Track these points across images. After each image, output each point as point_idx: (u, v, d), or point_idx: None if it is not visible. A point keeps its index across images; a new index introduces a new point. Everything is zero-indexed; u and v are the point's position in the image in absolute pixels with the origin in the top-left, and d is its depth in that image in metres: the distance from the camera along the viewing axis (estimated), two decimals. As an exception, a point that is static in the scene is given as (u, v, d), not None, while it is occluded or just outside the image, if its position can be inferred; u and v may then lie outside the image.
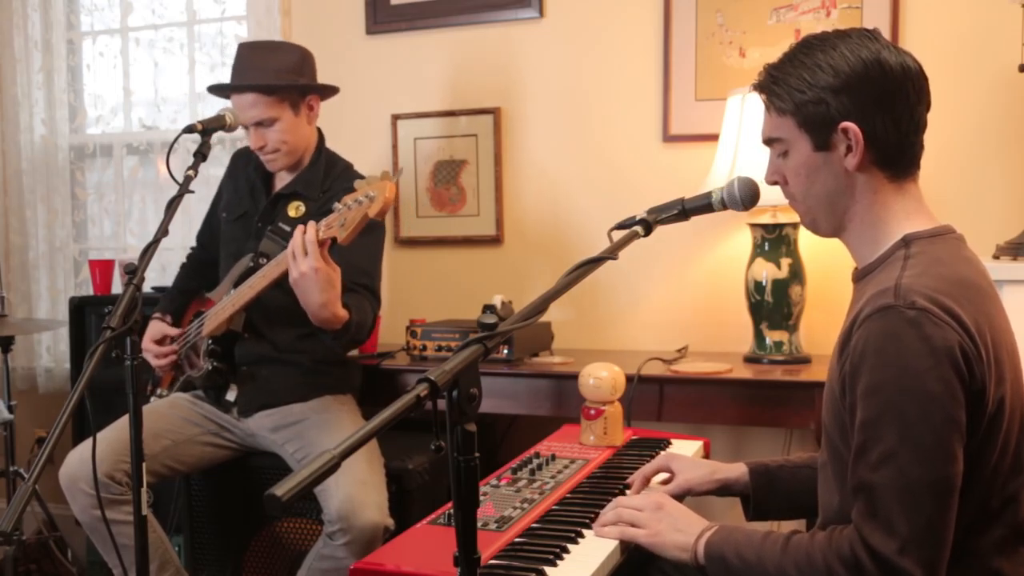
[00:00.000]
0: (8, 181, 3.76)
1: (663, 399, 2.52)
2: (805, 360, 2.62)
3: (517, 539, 1.53)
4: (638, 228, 1.55)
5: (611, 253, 1.44)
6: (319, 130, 2.63)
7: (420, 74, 3.24)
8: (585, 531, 1.57)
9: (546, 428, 2.43)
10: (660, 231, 1.60)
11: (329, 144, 2.64)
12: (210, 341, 2.47)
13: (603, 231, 1.57)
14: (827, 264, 2.70)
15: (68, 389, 3.59)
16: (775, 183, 1.50)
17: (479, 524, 1.30)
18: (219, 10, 3.57)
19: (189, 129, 2.16)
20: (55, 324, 3.49)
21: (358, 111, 3.19)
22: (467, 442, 1.10)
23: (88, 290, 3.64)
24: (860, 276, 1.44)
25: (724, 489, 1.72)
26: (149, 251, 1.86)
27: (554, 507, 1.69)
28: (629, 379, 2.25)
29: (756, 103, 1.48)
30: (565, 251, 3.04)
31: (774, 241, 2.61)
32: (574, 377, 2.17)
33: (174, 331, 2.62)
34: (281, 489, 0.94)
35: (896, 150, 1.39)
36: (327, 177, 2.54)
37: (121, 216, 3.73)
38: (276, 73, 2.47)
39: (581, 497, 1.75)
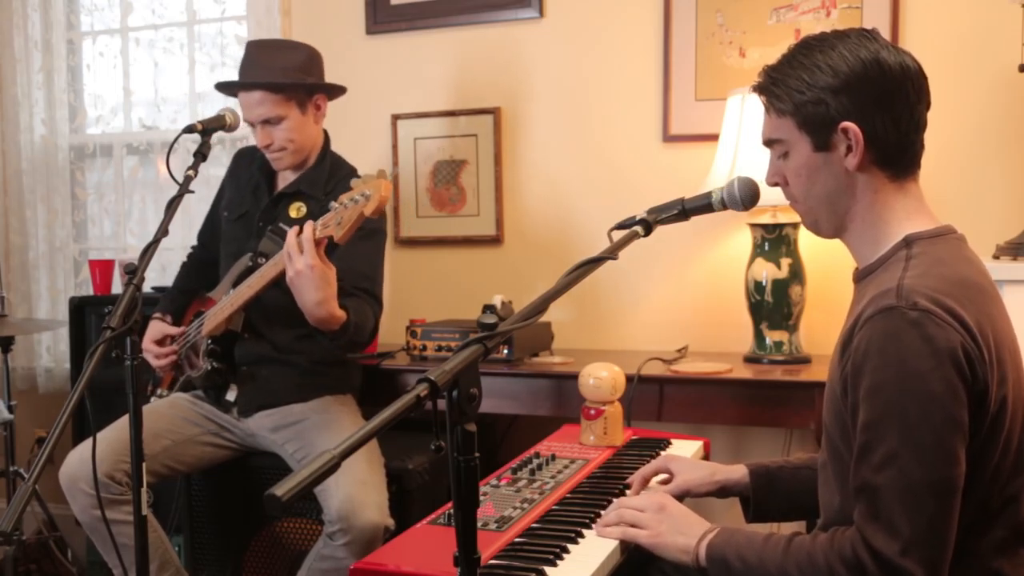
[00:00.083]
0: (8, 181, 3.76)
1: (663, 399, 2.52)
2: (805, 360, 2.62)
3: (517, 539, 1.53)
4: (638, 228, 1.55)
5: (611, 253, 1.44)
6: (325, 131, 2.63)
7: (420, 74, 3.24)
8: (585, 531, 1.57)
9: (546, 428, 2.43)
10: (660, 231, 1.60)
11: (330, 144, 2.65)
12: (209, 341, 2.47)
13: (603, 231, 1.57)
14: (827, 264, 2.70)
15: (68, 389, 3.59)
16: (776, 184, 1.50)
17: (479, 524, 1.30)
18: (219, 10, 3.57)
19: (189, 129, 2.17)
20: (55, 324, 3.50)
21: (358, 111, 3.19)
22: (467, 442, 1.10)
23: (88, 290, 3.64)
24: (861, 276, 1.44)
25: (724, 491, 1.72)
26: (149, 251, 1.86)
27: (554, 507, 1.69)
28: (629, 379, 2.25)
29: (756, 103, 1.48)
30: (565, 251, 3.04)
31: (774, 241, 2.61)
32: (574, 377, 2.17)
33: (174, 331, 2.62)
34: (281, 489, 0.94)
35: (896, 149, 1.39)
36: (331, 179, 2.54)
37: (121, 216, 3.73)
38: (284, 71, 2.47)
39: (581, 497, 1.75)
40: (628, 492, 1.77)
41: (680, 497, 1.69)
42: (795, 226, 2.61)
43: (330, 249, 2.38)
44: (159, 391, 2.65)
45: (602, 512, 1.62)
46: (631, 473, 1.83)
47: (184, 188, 2.02)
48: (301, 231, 2.15)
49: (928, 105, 1.41)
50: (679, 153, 2.93)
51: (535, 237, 3.12)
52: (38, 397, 3.75)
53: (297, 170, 2.58)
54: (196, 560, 2.67)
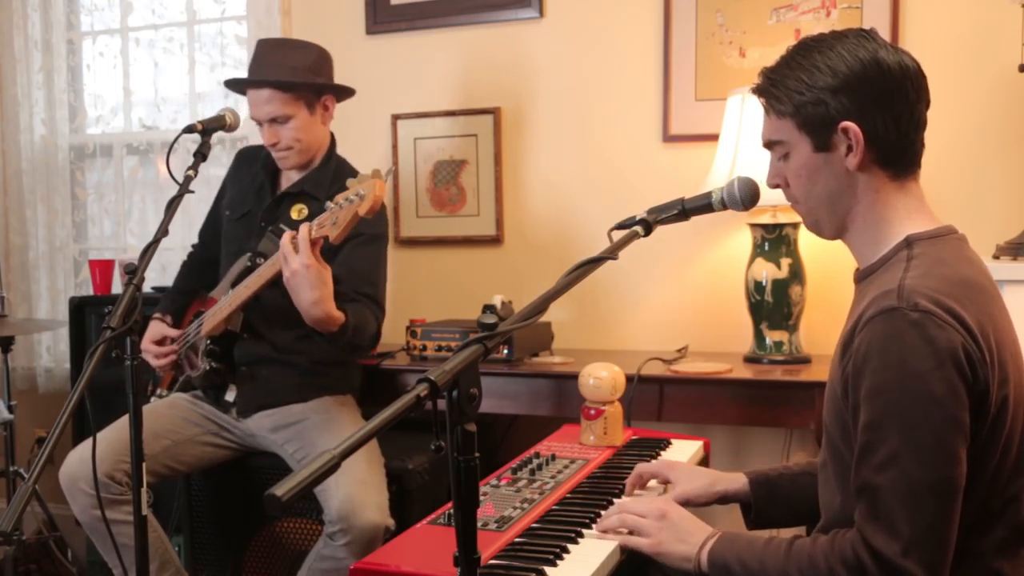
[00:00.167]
0: (8, 181, 3.76)
1: (663, 399, 2.52)
2: (805, 360, 2.62)
3: (517, 539, 1.53)
4: (638, 228, 1.55)
5: (611, 253, 1.44)
6: (331, 134, 2.63)
7: (420, 74, 3.24)
8: (585, 531, 1.57)
9: (546, 428, 2.43)
10: (660, 231, 1.60)
11: (330, 144, 2.65)
12: (208, 341, 2.47)
13: (603, 231, 1.57)
14: (827, 264, 2.70)
15: (68, 389, 3.59)
16: (776, 186, 1.50)
17: (479, 524, 1.30)
18: (219, 10, 3.57)
19: (189, 129, 2.16)
20: (55, 324, 3.50)
21: (358, 111, 3.18)
22: (467, 442, 1.10)
23: (88, 290, 3.64)
24: (862, 277, 1.44)
25: (724, 500, 1.72)
26: (149, 251, 1.86)
27: (554, 507, 1.69)
28: (629, 379, 2.24)
29: (756, 103, 1.48)
30: (565, 251, 3.04)
31: (774, 241, 2.61)
32: (574, 377, 2.17)
33: (173, 333, 2.61)
34: (281, 489, 0.94)
35: (897, 149, 1.39)
36: (335, 181, 2.54)
37: (121, 216, 3.73)
38: (293, 70, 2.47)
39: (581, 497, 1.75)
40: (623, 495, 1.76)
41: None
42: (795, 226, 2.61)
43: (333, 254, 2.39)
44: (159, 391, 2.65)
45: (602, 512, 1.62)
46: (631, 474, 1.83)
47: (184, 188, 2.02)
48: (295, 236, 2.16)
49: (928, 104, 1.41)
50: (679, 153, 2.93)
51: (535, 237, 3.13)
52: (38, 397, 3.75)
53: (302, 170, 2.58)
54: (196, 560, 2.67)
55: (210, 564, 2.66)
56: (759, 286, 2.62)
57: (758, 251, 2.64)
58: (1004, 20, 2.53)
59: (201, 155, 2.12)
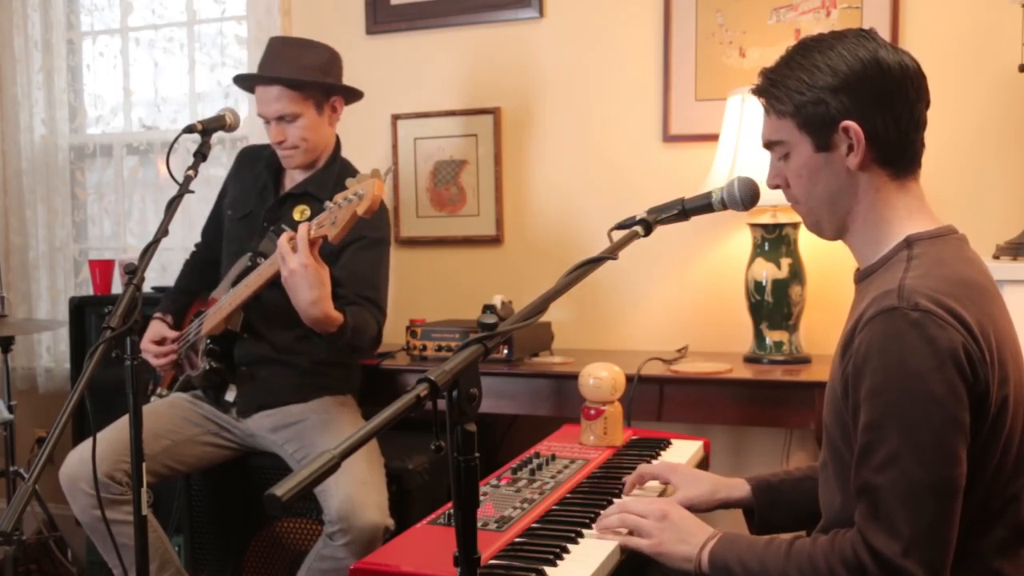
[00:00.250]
0: (8, 181, 3.76)
1: (663, 399, 2.52)
2: (805, 360, 2.62)
3: (517, 539, 1.53)
4: (638, 228, 1.55)
5: (611, 253, 1.44)
6: (336, 136, 2.63)
7: (420, 74, 3.24)
8: (585, 531, 1.56)
9: (546, 428, 2.43)
10: (660, 231, 1.60)
11: (330, 144, 2.65)
12: (208, 340, 2.47)
13: (603, 231, 1.57)
14: (827, 264, 2.70)
15: (68, 389, 3.59)
16: (777, 187, 1.50)
17: (479, 524, 1.30)
18: (219, 10, 3.57)
19: (189, 129, 2.16)
20: (55, 324, 3.50)
21: (358, 111, 3.18)
22: (467, 442, 1.10)
23: (88, 290, 3.64)
24: (862, 277, 1.44)
25: (725, 506, 1.72)
26: (149, 251, 1.86)
27: (554, 507, 1.69)
28: (629, 379, 2.24)
29: (756, 103, 1.48)
30: (565, 251, 3.04)
31: (774, 241, 2.61)
32: (574, 377, 2.17)
33: (173, 334, 2.61)
34: (281, 489, 0.94)
35: (897, 148, 1.39)
36: (338, 183, 2.53)
37: (121, 216, 3.73)
38: (305, 69, 2.47)
39: (581, 497, 1.75)
40: (623, 494, 1.76)
41: None
42: (795, 226, 2.61)
43: (335, 257, 2.39)
44: (159, 390, 2.65)
45: (602, 512, 1.62)
46: (631, 473, 1.83)
47: (184, 188, 2.02)
48: (294, 237, 2.16)
49: (928, 104, 1.41)
50: (679, 153, 2.93)
51: (535, 237, 3.13)
52: (38, 397, 3.75)
53: (305, 171, 2.58)
54: (196, 560, 2.67)
55: (210, 564, 2.66)
56: (759, 286, 2.62)
57: (758, 251, 2.64)
58: (1004, 20, 2.53)
59: (201, 155, 2.12)
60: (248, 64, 3.32)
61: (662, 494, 1.78)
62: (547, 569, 1.41)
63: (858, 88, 1.36)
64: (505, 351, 2.69)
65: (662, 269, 2.96)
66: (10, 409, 3.10)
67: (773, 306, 2.61)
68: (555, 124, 3.08)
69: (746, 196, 1.59)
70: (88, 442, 1.88)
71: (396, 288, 3.21)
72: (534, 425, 2.88)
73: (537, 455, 1.99)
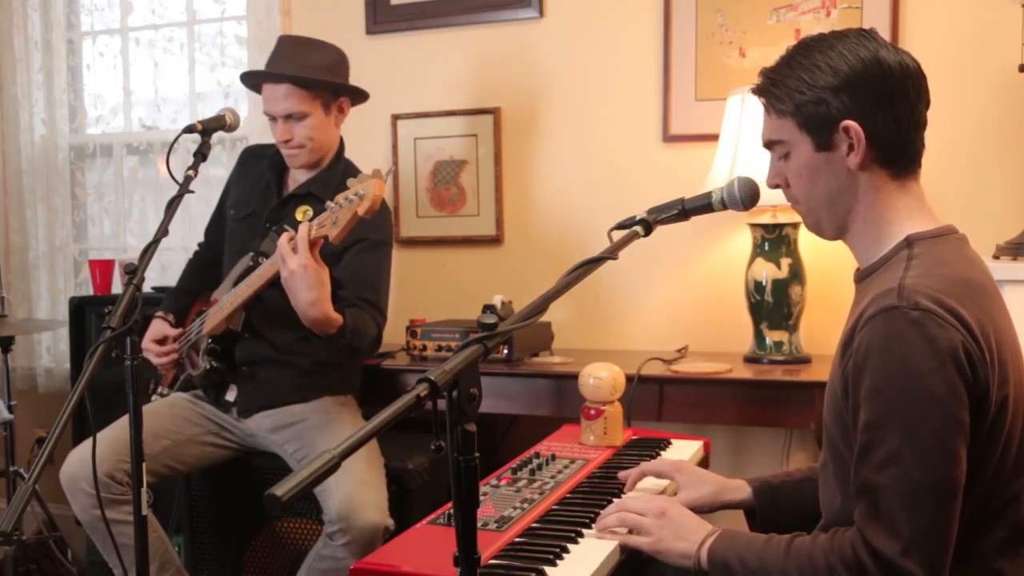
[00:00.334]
0: (8, 181, 3.77)
1: (663, 399, 2.52)
2: (805, 360, 2.62)
3: (517, 539, 1.53)
4: (638, 228, 1.55)
5: (611, 253, 1.44)
6: (340, 137, 2.63)
7: (420, 74, 3.24)
8: (585, 531, 1.56)
9: (546, 428, 2.43)
10: (660, 231, 1.60)
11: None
12: (210, 340, 2.47)
13: (603, 231, 1.57)
14: (827, 264, 2.70)
15: (68, 389, 3.59)
16: (777, 186, 1.50)
17: (479, 524, 1.30)
18: (219, 10, 3.57)
19: (189, 129, 2.16)
20: (55, 324, 3.50)
21: (358, 111, 3.17)
22: (467, 442, 1.10)
23: (88, 290, 3.64)
24: (863, 276, 1.44)
25: (726, 507, 1.72)
26: (149, 251, 1.86)
27: (554, 507, 1.69)
28: (629, 379, 2.24)
29: (756, 103, 1.48)
30: (565, 251, 3.04)
31: (774, 241, 2.61)
32: (574, 377, 2.17)
33: (174, 332, 2.61)
34: (281, 489, 0.94)
35: (897, 148, 1.39)
36: (342, 184, 2.53)
37: (121, 216, 3.73)
38: (313, 69, 2.47)
39: (581, 497, 1.75)
40: (625, 486, 1.76)
41: None
42: (795, 226, 2.61)
43: (336, 258, 2.38)
44: (160, 389, 2.65)
45: (602, 512, 1.62)
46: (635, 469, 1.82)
47: (184, 188, 2.01)
48: (294, 237, 2.16)
49: (928, 104, 1.41)
50: (679, 153, 2.93)
51: (535, 237, 3.13)
52: (38, 397, 3.75)
53: (309, 171, 2.57)
54: (196, 560, 2.67)
55: (210, 564, 2.66)
56: (759, 286, 2.62)
57: (758, 251, 2.64)
58: (1004, 20, 2.53)
59: (201, 155, 2.12)
60: (248, 64, 3.32)
61: (663, 493, 1.78)
62: (547, 569, 1.41)
63: (859, 88, 1.36)
64: (505, 351, 2.68)
65: (662, 269, 2.96)
66: (10, 409, 3.10)
67: (773, 306, 2.61)
68: (555, 124, 3.08)
69: (746, 196, 1.59)
70: (89, 442, 1.88)
71: (396, 288, 3.20)
72: (534, 425, 2.88)
73: (537, 455, 1.99)
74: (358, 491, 2.23)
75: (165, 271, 3.55)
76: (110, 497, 2.27)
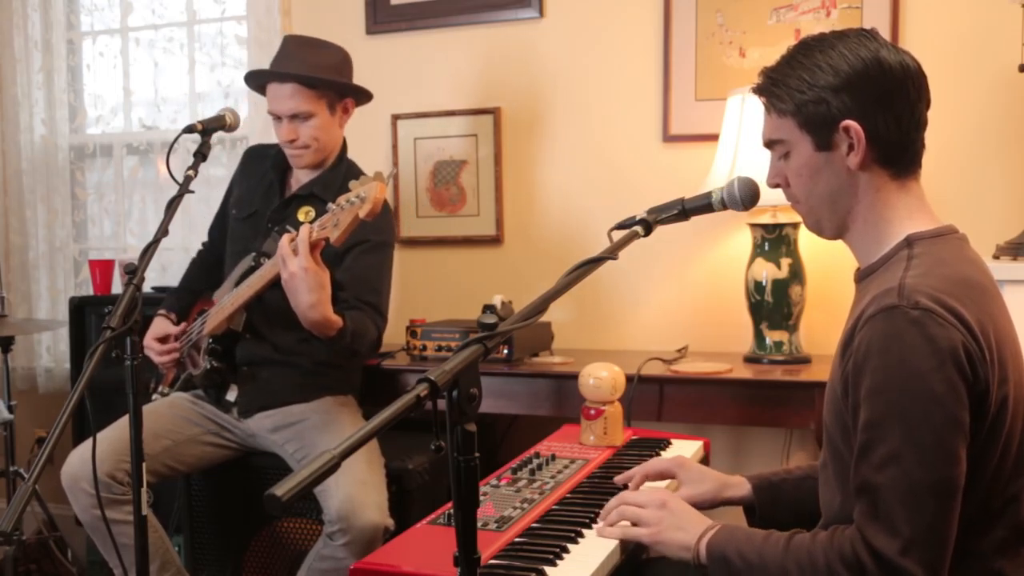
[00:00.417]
0: (8, 181, 3.76)
1: (663, 399, 2.52)
2: (805, 360, 2.62)
3: (517, 539, 1.53)
4: (638, 228, 1.55)
5: (611, 253, 1.44)
6: (343, 138, 2.63)
7: (420, 74, 3.24)
8: (585, 531, 1.56)
9: (546, 428, 2.43)
10: (660, 231, 1.60)
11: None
12: (211, 340, 2.47)
13: (603, 231, 1.57)
14: (827, 264, 2.70)
15: (68, 389, 3.59)
16: (777, 186, 1.50)
17: (479, 524, 1.30)
18: (219, 10, 3.57)
19: (189, 129, 2.16)
20: (55, 324, 3.49)
21: (358, 111, 3.18)
22: (467, 442, 1.10)
23: (88, 290, 3.64)
24: (863, 276, 1.44)
25: (727, 504, 1.72)
26: (149, 251, 1.86)
27: (554, 507, 1.69)
28: (629, 379, 2.24)
29: (756, 103, 1.48)
30: (565, 251, 3.04)
31: (774, 241, 2.61)
32: (574, 377, 2.17)
33: (175, 330, 2.61)
34: (281, 489, 0.94)
35: (898, 148, 1.39)
36: (344, 185, 2.53)
37: (121, 216, 3.73)
38: (319, 68, 2.47)
39: (581, 497, 1.75)
40: (630, 486, 1.76)
41: None
42: (795, 226, 2.61)
43: (338, 260, 2.38)
44: (161, 388, 2.65)
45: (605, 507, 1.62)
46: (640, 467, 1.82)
47: (184, 188, 2.01)
48: (295, 238, 2.16)
49: (928, 104, 1.41)
50: (679, 153, 2.93)
51: (535, 237, 3.13)
52: (38, 397, 3.75)
53: (312, 171, 2.57)
54: (196, 560, 2.67)
55: (210, 564, 2.66)
56: (759, 286, 2.62)
57: (758, 251, 2.64)
58: (1004, 20, 2.53)
59: (201, 155, 2.12)
60: (248, 64, 3.32)
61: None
62: (547, 569, 1.41)
63: (859, 88, 1.36)
64: (505, 351, 2.69)
65: (662, 269, 2.96)
66: (10, 409, 3.10)
67: (773, 306, 2.61)
68: (555, 124, 3.08)
69: (746, 196, 1.59)
70: (90, 441, 1.88)
71: (396, 288, 3.20)
72: (534, 425, 2.88)
73: (537, 455, 2.00)
74: (358, 491, 2.23)
75: (165, 271, 3.55)
76: (111, 497, 2.27)
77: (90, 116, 3.79)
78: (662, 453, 2.06)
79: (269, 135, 2.98)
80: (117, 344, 1.72)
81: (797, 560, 1.31)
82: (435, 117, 3.21)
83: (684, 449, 2.12)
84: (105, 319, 1.71)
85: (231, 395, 2.52)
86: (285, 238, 2.17)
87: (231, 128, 2.25)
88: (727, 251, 2.88)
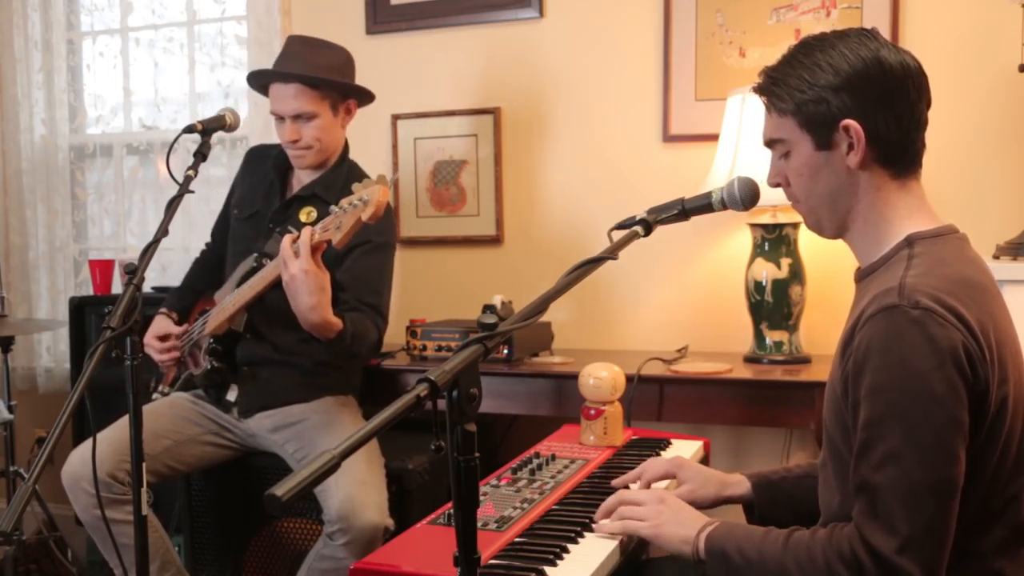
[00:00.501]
0: (8, 181, 3.77)
1: (663, 399, 2.52)
2: (805, 360, 2.62)
3: (517, 539, 1.53)
4: (638, 228, 1.55)
5: (611, 253, 1.44)
6: (345, 139, 2.63)
7: (420, 74, 3.24)
8: (585, 531, 1.57)
9: (546, 428, 2.43)
10: (660, 231, 1.60)
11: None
12: (211, 340, 2.47)
13: (603, 231, 1.57)
14: (827, 264, 2.70)
15: (68, 389, 3.59)
16: (777, 185, 1.50)
17: (479, 524, 1.30)
18: (219, 10, 3.57)
19: (189, 129, 2.16)
20: (55, 324, 3.49)
21: (358, 111, 3.19)
22: (467, 442, 1.10)
23: (88, 290, 3.64)
24: (863, 276, 1.44)
25: (726, 503, 1.73)
26: (149, 251, 1.86)
27: (554, 507, 1.69)
28: (629, 379, 2.24)
29: (756, 103, 1.48)
30: (565, 251, 3.04)
31: (774, 241, 2.61)
32: (574, 377, 2.17)
33: (176, 330, 2.61)
34: (281, 489, 0.94)
35: (898, 148, 1.39)
36: (346, 185, 2.52)
37: (121, 216, 3.73)
38: (322, 69, 2.47)
39: (581, 497, 1.75)
40: (638, 485, 1.76)
41: None
42: (795, 226, 2.61)
43: (339, 261, 2.38)
44: (161, 387, 2.65)
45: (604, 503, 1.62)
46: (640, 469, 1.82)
47: (184, 188, 2.01)
48: (297, 239, 2.16)
49: (928, 104, 1.41)
50: (679, 153, 2.93)
51: (535, 237, 3.13)
52: (38, 397, 3.75)
53: (314, 172, 2.57)
54: (196, 560, 2.67)
55: (210, 564, 2.66)
56: (759, 286, 2.62)
57: (758, 251, 2.64)
58: (1004, 20, 2.53)
59: (201, 155, 2.12)
60: (248, 64, 3.32)
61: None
62: (547, 569, 1.41)
63: (859, 87, 1.36)
64: (505, 351, 2.69)
65: (662, 269, 2.96)
66: (10, 409, 3.10)
67: (773, 306, 2.61)
68: (555, 124, 3.08)
69: (746, 196, 1.59)
70: (90, 441, 1.88)
71: (396, 288, 3.20)
72: (534, 425, 2.88)
73: (537, 455, 2.00)
74: (358, 491, 2.23)
75: (165, 271, 3.55)
76: (112, 497, 2.27)
77: (90, 116, 3.79)
78: (662, 453, 2.06)
79: (269, 135, 2.98)
80: (117, 344, 1.72)
81: (796, 557, 1.31)
82: (435, 117, 3.21)
83: (684, 449, 2.12)
84: (105, 319, 1.71)
85: (231, 395, 2.52)
86: (287, 239, 2.17)
87: (231, 128, 2.25)
88: (727, 251, 2.88)
